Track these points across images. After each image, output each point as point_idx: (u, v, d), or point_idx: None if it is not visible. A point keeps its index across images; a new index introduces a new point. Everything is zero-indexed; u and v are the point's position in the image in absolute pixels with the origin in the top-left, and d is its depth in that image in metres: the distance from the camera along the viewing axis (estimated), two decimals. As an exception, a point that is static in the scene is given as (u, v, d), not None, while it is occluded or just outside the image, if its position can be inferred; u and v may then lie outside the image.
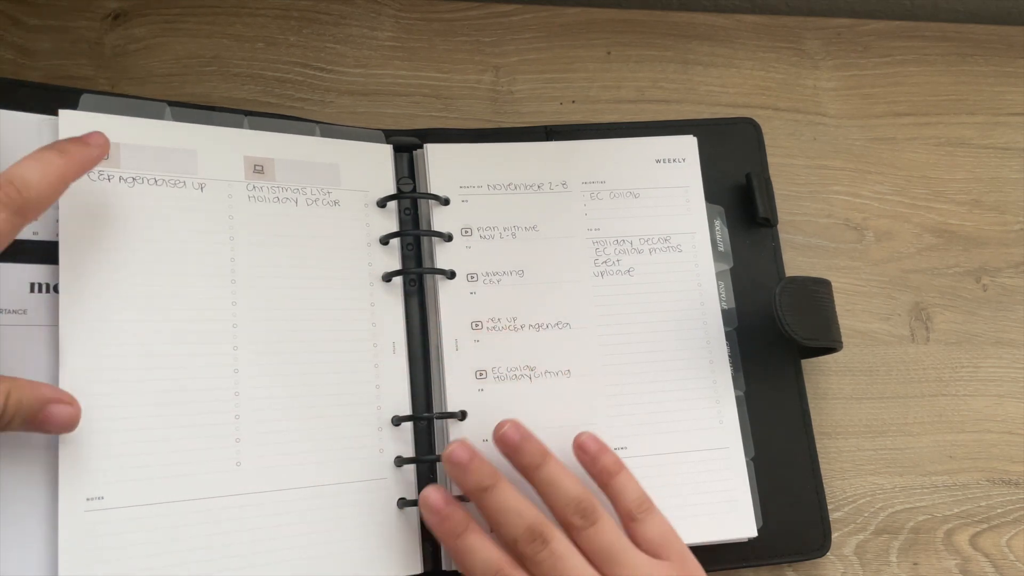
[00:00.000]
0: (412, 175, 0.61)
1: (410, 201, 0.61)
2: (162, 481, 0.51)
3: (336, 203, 0.58)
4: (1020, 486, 0.66)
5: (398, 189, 0.60)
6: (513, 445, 0.54)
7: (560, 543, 0.51)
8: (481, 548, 0.51)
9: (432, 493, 0.52)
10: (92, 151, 0.49)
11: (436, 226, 0.60)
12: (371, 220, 0.59)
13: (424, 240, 0.60)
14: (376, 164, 0.60)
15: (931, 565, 0.63)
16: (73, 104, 0.55)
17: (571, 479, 0.53)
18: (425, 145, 0.61)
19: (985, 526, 0.65)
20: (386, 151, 0.61)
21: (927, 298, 0.70)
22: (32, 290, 0.51)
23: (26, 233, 0.52)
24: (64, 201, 0.51)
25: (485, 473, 0.52)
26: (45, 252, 0.52)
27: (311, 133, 0.60)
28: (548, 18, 0.74)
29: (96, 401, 0.50)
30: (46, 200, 0.47)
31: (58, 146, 0.48)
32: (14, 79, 0.59)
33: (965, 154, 0.75)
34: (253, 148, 0.58)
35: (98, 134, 0.50)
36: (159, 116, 0.57)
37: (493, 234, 0.60)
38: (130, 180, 0.54)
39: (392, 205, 0.60)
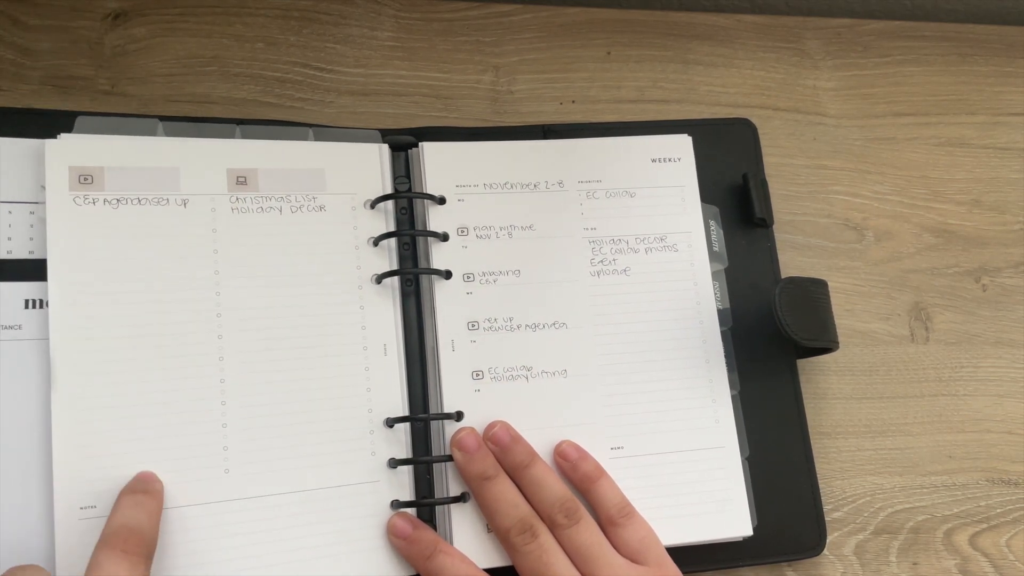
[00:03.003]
0: (409, 174, 0.62)
1: (406, 201, 0.61)
2: None
3: (322, 208, 0.59)
4: (1020, 486, 0.66)
5: (394, 188, 0.60)
6: (503, 445, 0.56)
7: (548, 539, 0.53)
8: (452, 566, 0.53)
9: (398, 521, 0.54)
10: (156, 483, 0.51)
11: (432, 226, 0.60)
12: (360, 222, 0.59)
13: (420, 240, 0.60)
14: (365, 165, 0.60)
15: (931, 565, 0.63)
16: (68, 126, 0.57)
17: (557, 480, 0.56)
18: (420, 144, 0.61)
19: (984, 526, 0.65)
20: (375, 152, 0.61)
21: (927, 298, 0.70)
22: (27, 306, 0.53)
23: (21, 252, 0.54)
24: (51, 221, 0.54)
25: (489, 463, 0.55)
26: (38, 269, 0.54)
27: (304, 137, 0.60)
28: (548, 18, 0.74)
29: (85, 415, 0.51)
30: (156, 539, 0.49)
31: (138, 488, 0.50)
32: (7, 107, 0.60)
33: (965, 154, 0.75)
34: (237, 160, 0.58)
35: (146, 474, 0.51)
36: (152, 132, 0.58)
37: (489, 234, 0.61)
38: (114, 202, 0.55)
39: (384, 206, 0.60)
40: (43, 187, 0.54)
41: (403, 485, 0.56)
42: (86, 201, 0.54)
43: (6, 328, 0.52)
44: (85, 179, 0.55)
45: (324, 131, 0.61)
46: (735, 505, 0.59)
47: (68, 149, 0.55)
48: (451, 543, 0.55)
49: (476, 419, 0.57)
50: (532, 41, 0.73)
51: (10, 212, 0.54)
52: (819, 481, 0.62)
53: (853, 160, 0.73)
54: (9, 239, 0.54)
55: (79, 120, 0.57)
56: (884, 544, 0.63)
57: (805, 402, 0.64)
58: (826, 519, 0.62)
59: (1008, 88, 0.77)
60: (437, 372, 0.58)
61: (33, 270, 0.54)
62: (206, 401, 0.53)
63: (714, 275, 0.63)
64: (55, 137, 0.55)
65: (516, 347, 0.59)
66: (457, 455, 0.55)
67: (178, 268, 0.55)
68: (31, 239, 0.54)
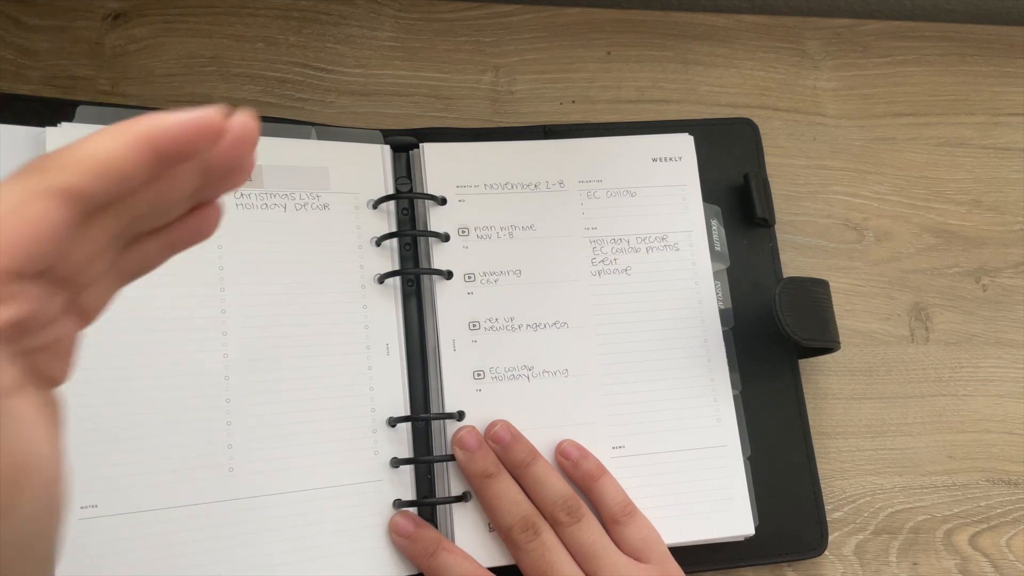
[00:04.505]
0: (410, 175, 0.62)
1: (407, 201, 0.61)
2: (155, 488, 0.51)
3: (326, 206, 0.59)
4: (1020, 486, 0.66)
5: (396, 189, 0.60)
6: (504, 443, 0.56)
7: (550, 537, 0.53)
8: (455, 564, 0.53)
9: (400, 519, 0.54)
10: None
11: (433, 226, 0.60)
12: (363, 222, 0.59)
13: (421, 240, 0.60)
14: (368, 165, 0.60)
15: (931, 565, 0.63)
16: (70, 115, 0.56)
17: (559, 478, 0.56)
18: (421, 145, 0.61)
19: (984, 526, 0.65)
20: (378, 152, 0.61)
21: (927, 298, 0.70)
22: None
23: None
24: None
25: (490, 461, 0.55)
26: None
27: (307, 135, 0.60)
28: (548, 18, 0.74)
29: (88, 411, 0.51)
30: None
31: None
32: (10, 93, 0.60)
33: (965, 154, 0.75)
34: None
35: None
36: None
37: (490, 234, 0.61)
38: None
39: (386, 206, 0.60)
40: None
41: (405, 484, 0.56)
42: None
43: None
44: None
45: (327, 130, 0.61)
46: (737, 504, 0.59)
47: (69, 138, 0.54)
48: (453, 542, 0.55)
49: (477, 419, 0.57)
50: (532, 41, 0.73)
51: None
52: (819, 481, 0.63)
53: (853, 160, 0.73)
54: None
55: (80, 110, 0.57)
56: (884, 544, 0.63)
57: (805, 402, 0.64)
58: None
59: (1008, 88, 0.77)
60: (438, 372, 0.58)
61: None
62: (210, 398, 0.53)
63: (716, 275, 0.63)
64: (56, 126, 0.55)
65: (517, 347, 0.59)
66: (459, 454, 0.55)
67: (182, 263, 0.54)
68: None
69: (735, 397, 0.61)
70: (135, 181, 0.27)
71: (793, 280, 0.62)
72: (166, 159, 0.27)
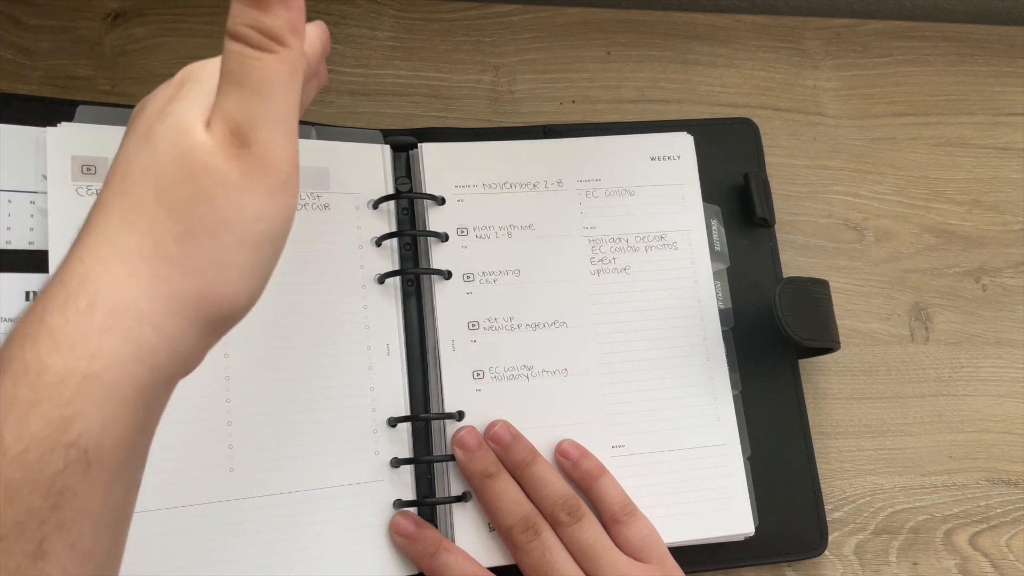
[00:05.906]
0: (410, 175, 0.61)
1: (408, 201, 0.61)
2: (155, 488, 0.51)
3: (326, 207, 0.58)
4: (1020, 486, 0.66)
5: (395, 189, 0.60)
6: (504, 443, 0.56)
7: (550, 537, 0.53)
8: (455, 564, 0.53)
9: (401, 520, 0.54)
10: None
11: (432, 226, 0.60)
12: (363, 222, 0.59)
13: (421, 240, 0.60)
14: (368, 165, 0.60)
15: (930, 565, 0.63)
16: (70, 115, 0.56)
17: (559, 478, 0.56)
18: (420, 144, 0.61)
19: (984, 526, 0.65)
20: (378, 152, 0.61)
21: (927, 298, 0.70)
22: (28, 298, 0.53)
23: (21, 243, 0.54)
24: (52, 212, 0.53)
25: (490, 461, 0.55)
26: (38, 261, 0.53)
27: (307, 136, 0.60)
28: (548, 18, 0.74)
29: None
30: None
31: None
32: (9, 93, 0.60)
33: (965, 154, 0.75)
34: None
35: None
36: None
37: (489, 233, 0.61)
38: None
39: (386, 206, 0.60)
40: (44, 176, 0.54)
41: (405, 484, 0.56)
42: (88, 192, 0.54)
43: (6, 320, 0.52)
44: (88, 169, 0.54)
45: (327, 130, 0.61)
46: (737, 503, 0.59)
47: (70, 138, 0.55)
48: (453, 542, 0.55)
49: (477, 419, 0.57)
50: (532, 41, 0.73)
51: (10, 201, 0.54)
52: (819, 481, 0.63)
53: (853, 160, 0.73)
54: (8, 229, 0.53)
55: (80, 109, 0.57)
56: (884, 544, 0.63)
57: (805, 402, 0.64)
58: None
59: (1008, 88, 0.77)
60: (438, 372, 0.58)
61: (33, 261, 0.53)
62: (211, 398, 0.53)
63: (716, 275, 0.63)
64: (56, 126, 0.55)
65: (516, 346, 0.59)
66: (459, 454, 0.55)
67: None
68: (31, 229, 0.54)
69: (735, 397, 0.61)
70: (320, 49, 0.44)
71: (793, 280, 0.62)
72: (326, 44, 0.45)
